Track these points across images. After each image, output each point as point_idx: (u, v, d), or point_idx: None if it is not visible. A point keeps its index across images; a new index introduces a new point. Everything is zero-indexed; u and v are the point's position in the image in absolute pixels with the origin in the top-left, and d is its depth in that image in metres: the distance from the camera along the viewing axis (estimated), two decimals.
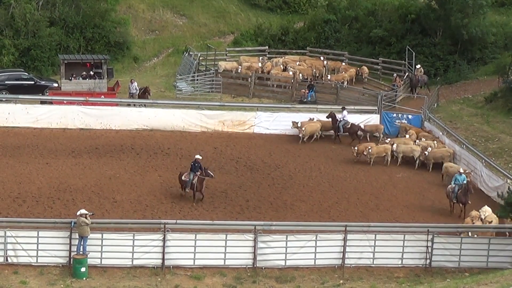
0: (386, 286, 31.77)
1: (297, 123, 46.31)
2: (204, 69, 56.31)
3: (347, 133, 46.53)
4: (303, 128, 45.95)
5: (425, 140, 44.77)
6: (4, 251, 31.25)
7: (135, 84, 50.26)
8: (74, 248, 31.25)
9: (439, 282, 31.50)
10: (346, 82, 55.07)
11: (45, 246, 31.38)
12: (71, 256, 31.16)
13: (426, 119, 47.73)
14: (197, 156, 37.90)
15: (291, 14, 65.58)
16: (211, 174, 37.58)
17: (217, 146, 44.86)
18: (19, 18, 56.44)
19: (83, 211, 31.38)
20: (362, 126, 46.82)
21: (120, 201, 36.93)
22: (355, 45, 61.31)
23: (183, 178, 37.35)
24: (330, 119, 46.63)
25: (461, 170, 38.49)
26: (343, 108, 47.11)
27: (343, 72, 56.55)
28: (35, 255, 31.37)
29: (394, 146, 43.56)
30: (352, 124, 46.45)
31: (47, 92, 50.06)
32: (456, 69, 58.19)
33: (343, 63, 57.89)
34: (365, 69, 56.74)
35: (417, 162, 43.23)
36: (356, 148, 43.57)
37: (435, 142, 44.55)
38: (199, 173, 37.12)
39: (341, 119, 46.42)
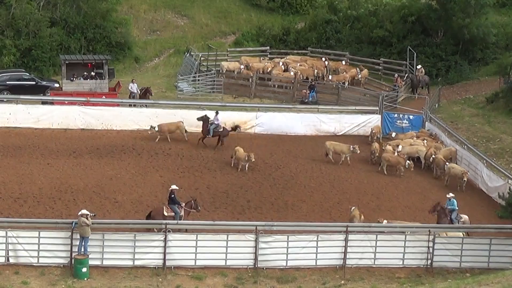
0: (387, 286, 31.76)
1: (154, 128, 44.84)
2: (206, 69, 56.31)
3: (217, 136, 44.73)
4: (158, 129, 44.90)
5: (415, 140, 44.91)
6: (5, 252, 31.28)
7: (136, 84, 50.25)
8: (75, 249, 31.27)
9: (440, 283, 31.49)
10: (347, 82, 55.05)
11: (46, 247, 31.41)
12: (72, 257, 31.18)
13: (427, 119, 47.70)
14: (174, 187, 34.49)
15: (292, 14, 65.64)
16: (199, 207, 34.59)
17: (218, 147, 44.81)
18: (20, 18, 56.46)
19: (84, 211, 31.40)
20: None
21: (121, 201, 36.94)
22: (356, 45, 61.30)
23: (166, 214, 33.48)
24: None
25: (449, 195, 35.89)
26: (217, 113, 45.07)
27: (343, 72, 56.52)
28: (36, 255, 31.39)
29: (400, 147, 43.41)
30: (224, 128, 44.82)
31: (48, 93, 50.07)
32: (458, 69, 58.20)
33: (343, 62, 57.86)
34: (365, 72, 56.40)
35: (423, 162, 43.06)
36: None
37: (425, 141, 44.48)
38: (183, 204, 34.13)
39: (213, 122, 44.71)
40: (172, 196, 34.22)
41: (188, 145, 44.64)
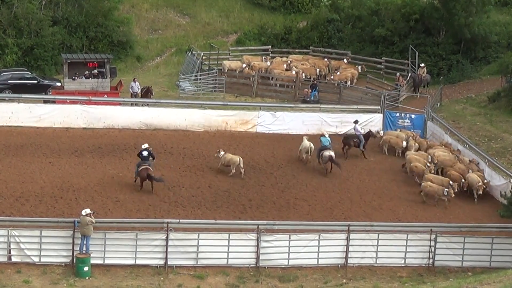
0: (389, 285, 31.77)
1: None
2: (207, 68, 56.31)
3: None
4: None
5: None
6: (7, 250, 31.32)
7: (137, 83, 50.27)
8: (77, 247, 31.30)
9: (442, 282, 31.52)
10: (349, 81, 55.02)
11: (48, 245, 31.47)
12: (74, 255, 31.21)
13: (429, 118, 47.66)
14: (146, 145, 39.20)
15: (294, 13, 65.64)
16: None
17: (220, 146, 44.80)
18: (22, 17, 56.48)
19: (88, 210, 31.42)
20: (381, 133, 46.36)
21: (123, 200, 36.94)
22: (358, 44, 61.30)
23: (151, 169, 37.97)
24: None
25: (325, 133, 42.33)
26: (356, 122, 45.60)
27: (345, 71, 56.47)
28: (38, 254, 31.44)
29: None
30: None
31: (50, 92, 50.08)
32: (459, 68, 58.14)
33: (344, 61, 57.82)
34: (354, 72, 56.11)
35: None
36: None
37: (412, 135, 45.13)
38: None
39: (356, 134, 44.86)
40: (152, 152, 38.80)
41: (190, 144, 44.66)
